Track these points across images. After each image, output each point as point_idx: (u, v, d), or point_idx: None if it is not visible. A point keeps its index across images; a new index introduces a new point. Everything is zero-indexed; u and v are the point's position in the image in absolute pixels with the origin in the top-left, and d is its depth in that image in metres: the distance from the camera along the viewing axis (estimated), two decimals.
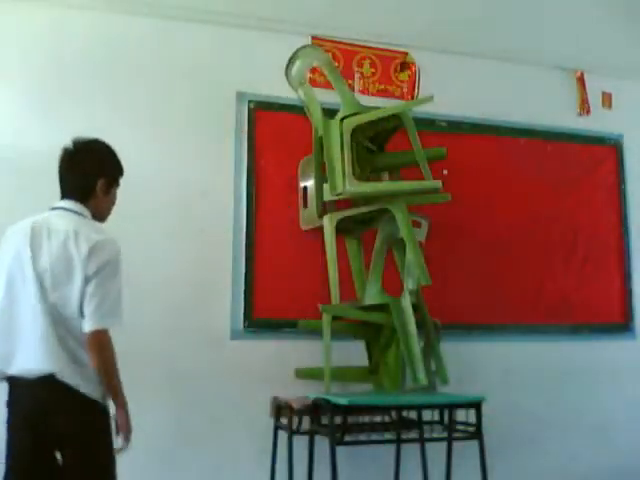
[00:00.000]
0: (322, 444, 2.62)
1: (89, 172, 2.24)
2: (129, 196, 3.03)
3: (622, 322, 3.68)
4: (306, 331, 3.04)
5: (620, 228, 3.75)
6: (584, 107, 3.79)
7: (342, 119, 2.82)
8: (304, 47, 3.04)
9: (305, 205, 3.16)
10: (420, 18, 3.54)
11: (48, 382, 1.99)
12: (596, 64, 3.83)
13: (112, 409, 2.18)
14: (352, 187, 2.73)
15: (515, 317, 3.47)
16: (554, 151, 3.70)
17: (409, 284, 2.84)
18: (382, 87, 3.48)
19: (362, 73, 3.45)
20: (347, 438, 2.46)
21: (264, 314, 3.10)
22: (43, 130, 2.99)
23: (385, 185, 3.06)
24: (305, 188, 3.17)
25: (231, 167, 3.18)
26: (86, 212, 2.19)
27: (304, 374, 3.01)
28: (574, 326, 3.57)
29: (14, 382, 2.06)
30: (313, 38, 3.37)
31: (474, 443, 2.57)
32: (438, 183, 2.77)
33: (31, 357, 2.01)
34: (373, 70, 3.47)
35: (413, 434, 2.82)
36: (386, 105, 3.17)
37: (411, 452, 3.01)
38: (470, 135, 3.55)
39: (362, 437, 2.55)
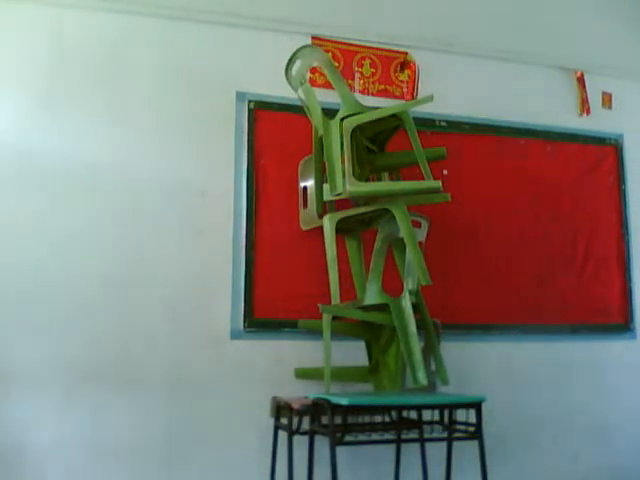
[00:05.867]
0: (322, 444, 2.62)
1: None
2: (129, 196, 3.05)
3: (622, 322, 3.68)
4: (306, 331, 3.04)
5: (620, 228, 3.75)
6: (584, 107, 3.79)
7: (342, 119, 2.82)
8: (304, 47, 3.03)
9: (305, 205, 3.16)
10: (420, 18, 3.55)
11: None
12: (596, 64, 3.84)
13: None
14: (352, 187, 2.73)
15: (515, 317, 3.47)
16: (554, 151, 3.70)
17: (409, 284, 2.83)
18: (382, 87, 3.48)
19: (362, 73, 3.45)
20: (347, 438, 2.46)
21: (264, 314, 3.10)
22: (43, 130, 2.99)
23: (385, 185, 3.06)
24: (305, 188, 3.17)
25: (231, 167, 3.18)
26: None
27: (304, 374, 3.02)
28: (574, 326, 3.56)
29: None
30: (313, 38, 3.37)
31: (474, 443, 2.57)
32: (438, 183, 2.77)
33: None
34: (373, 70, 3.47)
35: (413, 434, 2.83)
36: (386, 105, 3.17)
37: (411, 452, 3.01)
38: (470, 135, 3.54)
39: (362, 437, 2.54)
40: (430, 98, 2.90)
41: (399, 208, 2.82)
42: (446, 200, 2.94)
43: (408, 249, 2.80)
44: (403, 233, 2.81)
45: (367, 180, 3.02)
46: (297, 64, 2.97)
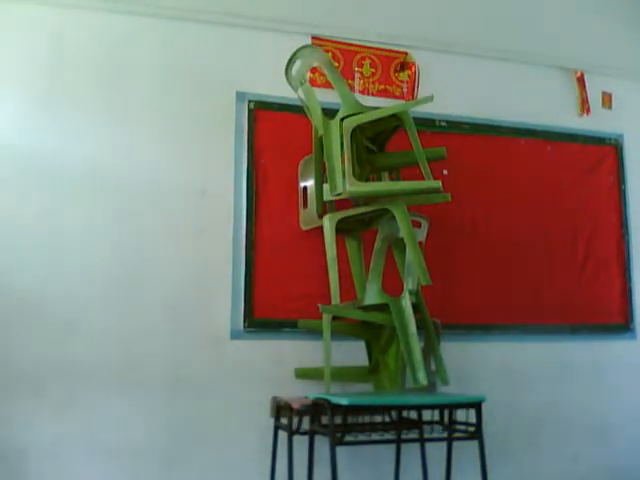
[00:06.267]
0: (322, 444, 2.62)
1: None
2: (129, 196, 3.05)
3: (622, 322, 3.68)
4: (306, 331, 3.04)
5: (620, 228, 3.75)
6: (584, 107, 3.79)
7: (342, 119, 2.82)
8: (304, 47, 3.03)
9: (305, 205, 3.16)
10: (420, 18, 3.56)
11: None
12: (596, 64, 3.84)
13: None
14: (352, 187, 2.73)
15: (515, 317, 3.47)
16: (554, 151, 3.70)
17: (409, 284, 2.83)
18: (382, 87, 3.48)
19: (362, 73, 3.45)
20: (347, 438, 2.46)
21: (264, 314, 3.10)
22: (43, 130, 2.99)
23: (385, 185, 3.06)
24: (305, 188, 3.17)
25: (231, 167, 3.18)
26: None
27: (304, 374, 3.02)
28: (574, 326, 3.57)
29: None
30: (313, 38, 3.37)
31: (474, 443, 2.57)
32: (438, 183, 2.77)
33: None
34: (373, 70, 3.47)
35: (413, 434, 2.83)
36: (386, 105, 3.17)
37: (411, 452, 3.01)
38: (470, 135, 3.54)
39: (362, 437, 2.54)
40: (430, 98, 2.90)
41: (399, 208, 2.82)
42: (446, 200, 2.94)
43: (408, 249, 2.80)
44: (403, 233, 2.81)
45: (367, 180, 3.02)
46: (297, 64, 2.97)
